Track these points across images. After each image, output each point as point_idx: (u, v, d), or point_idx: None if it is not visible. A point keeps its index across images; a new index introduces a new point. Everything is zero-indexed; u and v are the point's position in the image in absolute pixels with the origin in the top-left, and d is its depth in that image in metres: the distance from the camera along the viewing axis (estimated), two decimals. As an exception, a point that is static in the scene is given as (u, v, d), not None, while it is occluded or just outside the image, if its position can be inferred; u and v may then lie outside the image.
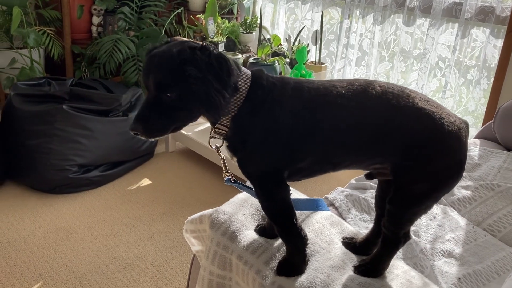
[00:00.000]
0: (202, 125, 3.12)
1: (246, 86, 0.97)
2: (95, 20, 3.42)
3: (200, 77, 0.89)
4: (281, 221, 1.01)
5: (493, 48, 2.44)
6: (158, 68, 0.92)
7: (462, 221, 1.56)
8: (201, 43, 0.94)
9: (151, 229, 2.25)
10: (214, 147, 1.06)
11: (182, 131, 2.96)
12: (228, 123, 0.98)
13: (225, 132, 0.99)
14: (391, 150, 0.95)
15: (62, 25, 3.24)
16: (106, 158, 2.59)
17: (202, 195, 2.58)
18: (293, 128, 0.95)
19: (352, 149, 0.97)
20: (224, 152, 1.05)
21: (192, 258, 1.30)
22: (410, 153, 0.94)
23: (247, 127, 0.97)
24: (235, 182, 1.09)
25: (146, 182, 2.69)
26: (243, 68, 1.01)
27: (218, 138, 1.02)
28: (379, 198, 1.07)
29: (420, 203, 0.96)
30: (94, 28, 3.44)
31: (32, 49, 3.09)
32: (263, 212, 1.20)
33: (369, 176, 1.09)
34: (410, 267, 1.09)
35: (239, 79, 0.97)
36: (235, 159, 1.01)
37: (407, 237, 1.02)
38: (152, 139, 0.96)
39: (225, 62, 0.93)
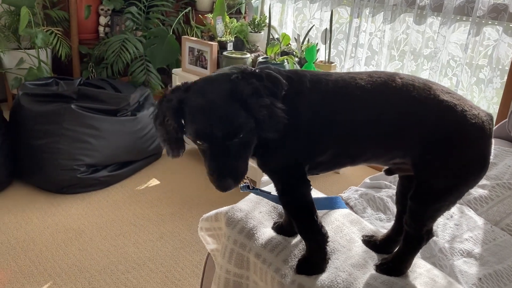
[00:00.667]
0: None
1: None
2: (102, 20, 3.41)
3: (267, 104, 0.85)
4: (301, 218, 0.98)
5: (507, 46, 2.41)
6: (221, 119, 0.84)
7: (479, 221, 1.53)
8: (236, 70, 0.89)
9: (160, 229, 2.23)
10: None
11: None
12: None
13: None
14: (411, 144, 0.93)
15: (69, 25, 3.23)
16: (114, 158, 2.57)
17: (211, 195, 2.55)
18: (313, 121, 0.93)
19: (371, 142, 0.95)
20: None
21: (206, 257, 1.28)
22: (431, 147, 0.91)
23: None
24: (253, 189, 1.07)
25: (154, 182, 2.67)
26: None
27: None
28: (400, 194, 1.05)
29: (443, 199, 0.94)
30: (101, 29, 3.43)
31: (39, 49, 3.08)
32: (280, 210, 1.18)
33: (388, 172, 1.07)
34: (433, 266, 1.06)
35: None
36: (253, 160, 0.99)
37: (430, 234, 0.99)
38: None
39: (276, 78, 0.89)
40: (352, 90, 0.94)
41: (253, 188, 1.06)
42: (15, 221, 2.22)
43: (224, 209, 1.14)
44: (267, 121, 0.85)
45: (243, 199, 1.18)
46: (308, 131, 0.93)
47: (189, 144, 3.20)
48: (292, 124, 0.93)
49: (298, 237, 1.06)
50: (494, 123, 2.41)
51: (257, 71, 0.90)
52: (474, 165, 0.93)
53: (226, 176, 0.85)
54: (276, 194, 1.02)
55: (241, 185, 1.05)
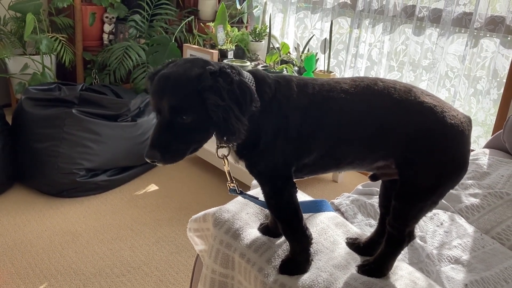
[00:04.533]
0: (210, 132, 3.13)
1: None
2: (107, 28, 3.47)
3: (221, 105, 0.87)
4: (287, 219, 1.00)
5: (504, 58, 2.42)
6: (174, 91, 0.88)
7: (470, 229, 1.53)
8: (218, 66, 0.91)
9: (156, 234, 2.25)
10: (221, 156, 1.04)
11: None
12: None
13: None
14: (394, 144, 0.96)
15: (74, 32, 3.28)
16: (114, 163, 2.60)
17: (208, 201, 2.57)
18: (301, 123, 0.96)
19: (355, 143, 0.97)
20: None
21: (195, 258, 1.30)
22: (413, 146, 0.94)
23: (261, 125, 0.97)
24: (240, 192, 1.09)
25: (153, 187, 2.69)
26: (243, 71, 1.01)
27: (224, 146, 1.01)
28: (383, 197, 1.07)
29: (426, 198, 0.96)
30: (105, 36, 3.48)
31: (44, 55, 3.13)
32: (267, 212, 1.19)
33: (373, 178, 1.08)
34: (415, 269, 1.07)
35: None
36: (242, 162, 1.01)
37: (411, 236, 1.01)
38: (170, 164, 0.93)
39: (248, 90, 0.91)
40: (337, 94, 0.97)
41: (240, 192, 1.08)
42: (14, 223, 2.25)
43: (212, 210, 1.16)
44: (221, 123, 0.88)
45: (232, 200, 1.20)
46: (296, 134, 0.96)
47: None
48: (282, 126, 0.95)
49: (283, 238, 1.08)
50: (491, 134, 2.43)
51: (235, 77, 0.91)
52: (454, 163, 0.96)
53: (156, 147, 0.88)
54: (263, 200, 1.04)
55: (230, 187, 1.08)
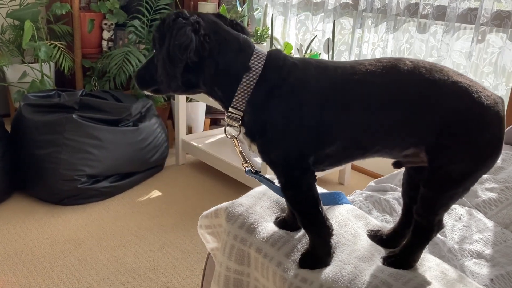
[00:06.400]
0: (212, 137, 3.08)
1: (259, 65, 0.92)
2: (106, 34, 3.42)
3: (156, 52, 0.94)
4: (306, 211, 0.94)
5: (511, 54, 2.38)
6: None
7: (489, 223, 1.48)
8: (185, 15, 0.93)
9: (161, 240, 2.18)
10: (230, 137, 0.99)
11: (192, 142, 2.92)
12: (243, 107, 0.92)
13: (239, 117, 0.93)
14: (428, 129, 0.89)
15: (73, 39, 3.24)
16: (116, 169, 2.54)
17: (213, 205, 2.50)
18: (321, 110, 0.89)
19: (385, 130, 0.90)
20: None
21: (206, 258, 1.23)
22: (448, 131, 0.87)
23: (266, 110, 0.91)
24: (255, 173, 1.03)
25: (156, 193, 2.63)
26: (257, 47, 0.96)
27: (234, 126, 0.95)
28: (407, 186, 1.00)
29: (459, 185, 0.90)
30: (104, 43, 3.44)
31: (43, 63, 3.08)
32: (283, 205, 1.13)
33: (397, 165, 1.02)
34: (442, 261, 1.01)
35: (252, 58, 0.92)
36: (254, 146, 0.95)
37: (440, 225, 0.95)
38: (146, 92, 1.04)
39: (180, 39, 0.88)
40: (362, 76, 0.90)
41: (255, 172, 1.02)
42: (14, 232, 2.18)
43: (224, 204, 1.10)
44: (159, 61, 0.92)
45: (245, 194, 1.14)
46: (314, 120, 0.89)
47: (192, 156, 3.14)
48: (296, 112, 0.89)
49: (301, 231, 1.01)
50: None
51: (178, 25, 0.90)
52: (491, 147, 0.90)
53: (137, 71, 1.04)
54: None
55: (246, 169, 1.02)
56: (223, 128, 0.99)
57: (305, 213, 0.95)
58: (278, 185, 0.96)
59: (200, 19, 0.91)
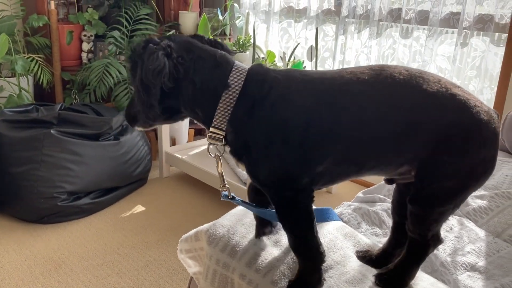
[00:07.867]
0: (196, 148, 3.01)
1: (239, 82, 0.87)
2: (85, 46, 3.35)
3: (133, 85, 0.91)
4: (299, 234, 0.88)
5: (494, 57, 2.37)
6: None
7: (481, 232, 1.44)
8: (154, 42, 0.88)
9: (145, 258, 2.11)
10: (213, 156, 0.94)
11: (176, 154, 2.86)
12: (224, 126, 0.87)
13: (221, 137, 0.88)
14: (424, 143, 0.84)
15: (51, 52, 3.16)
16: (97, 185, 2.46)
17: (199, 220, 2.44)
18: (308, 125, 0.83)
19: (379, 145, 0.85)
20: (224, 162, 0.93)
21: (189, 282, 1.17)
22: (444, 146, 0.83)
23: (248, 128, 0.86)
24: (232, 198, 0.97)
25: (139, 208, 2.56)
26: (238, 62, 0.91)
27: (216, 144, 0.90)
28: (398, 204, 0.95)
29: (449, 202, 0.85)
30: (84, 55, 3.36)
31: (20, 76, 3.00)
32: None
33: (389, 181, 0.97)
34: (436, 280, 0.96)
35: (231, 74, 0.87)
36: (242, 165, 0.90)
37: (437, 240, 0.90)
38: (137, 128, 1.01)
39: (152, 67, 0.83)
40: (353, 86, 0.85)
41: (232, 198, 0.96)
42: (-9, 254, 2.09)
43: (205, 226, 1.05)
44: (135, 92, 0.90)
45: (226, 213, 1.08)
46: (300, 137, 0.84)
47: (177, 168, 3.06)
48: (279, 130, 0.84)
49: (289, 255, 0.96)
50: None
51: (150, 54, 0.85)
52: (486, 165, 0.86)
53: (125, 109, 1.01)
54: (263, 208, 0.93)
55: (222, 193, 0.96)
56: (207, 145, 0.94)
57: (298, 236, 0.89)
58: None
59: (171, 43, 0.87)
